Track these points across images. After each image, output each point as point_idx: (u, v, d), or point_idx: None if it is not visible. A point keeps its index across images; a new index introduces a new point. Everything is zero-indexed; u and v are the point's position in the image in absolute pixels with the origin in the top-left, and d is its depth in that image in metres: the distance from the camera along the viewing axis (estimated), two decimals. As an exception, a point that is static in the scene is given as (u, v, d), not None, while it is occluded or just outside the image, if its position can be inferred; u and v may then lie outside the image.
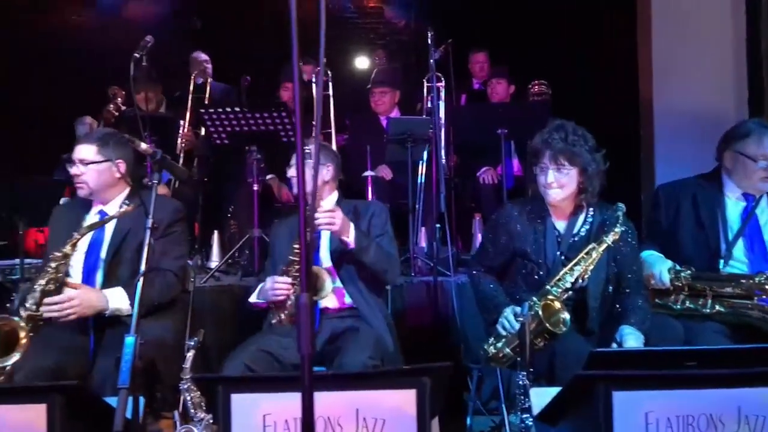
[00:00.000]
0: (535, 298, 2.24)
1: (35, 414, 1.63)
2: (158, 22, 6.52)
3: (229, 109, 3.41)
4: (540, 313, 2.19)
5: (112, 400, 1.74)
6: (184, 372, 2.20)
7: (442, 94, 3.75)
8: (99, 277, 2.42)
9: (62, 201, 3.95)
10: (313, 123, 3.99)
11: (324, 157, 2.63)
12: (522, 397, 2.12)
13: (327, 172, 2.61)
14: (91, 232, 2.41)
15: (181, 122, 3.81)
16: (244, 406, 1.70)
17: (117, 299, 2.33)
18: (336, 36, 5.70)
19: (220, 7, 6.31)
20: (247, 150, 3.57)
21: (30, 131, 5.71)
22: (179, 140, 3.78)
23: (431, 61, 3.48)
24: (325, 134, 4.02)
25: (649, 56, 4.06)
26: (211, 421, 2.18)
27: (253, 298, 2.61)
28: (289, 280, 2.45)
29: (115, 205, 2.49)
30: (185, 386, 2.21)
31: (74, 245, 2.27)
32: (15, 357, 2.05)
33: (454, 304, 3.12)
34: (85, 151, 2.43)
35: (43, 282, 2.21)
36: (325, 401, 1.66)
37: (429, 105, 3.84)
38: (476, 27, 5.42)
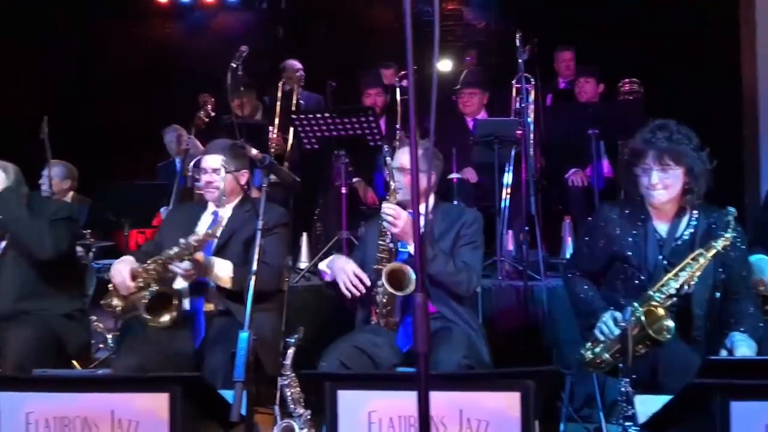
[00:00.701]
0: (636, 304, 2.18)
1: (158, 402, 1.73)
2: (243, 31, 6.81)
3: (318, 115, 3.50)
4: (643, 319, 2.12)
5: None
6: (285, 368, 2.28)
7: (531, 95, 3.70)
8: None
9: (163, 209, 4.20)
10: (397, 127, 4.11)
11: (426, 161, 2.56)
12: (624, 405, 2.07)
13: (432, 179, 2.53)
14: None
15: (270, 128, 3.94)
16: (351, 402, 1.75)
17: (222, 268, 2.46)
18: (415, 40, 5.72)
19: (302, 15, 6.49)
20: (335, 154, 3.65)
21: (126, 138, 6.08)
22: (269, 146, 3.91)
23: (520, 61, 3.44)
24: (409, 138, 4.04)
25: (753, 51, 3.84)
26: (309, 416, 2.25)
27: (323, 266, 2.59)
28: (367, 282, 2.45)
29: (229, 209, 2.66)
30: (285, 382, 2.28)
31: (198, 246, 2.41)
32: (166, 317, 2.35)
33: (545, 309, 3.07)
34: (215, 161, 2.61)
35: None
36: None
37: (517, 106, 3.79)
38: (560, 25, 5.31)
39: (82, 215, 3.71)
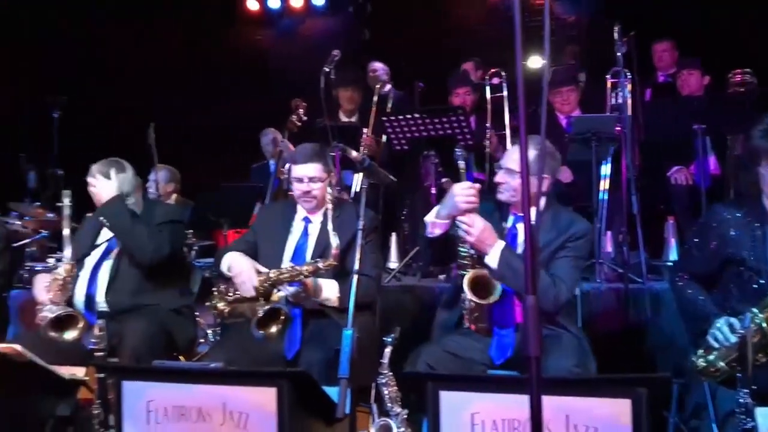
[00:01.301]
0: (755, 310, 2.03)
1: (267, 396, 1.80)
2: (331, 35, 6.96)
3: (409, 116, 3.52)
4: (764, 326, 1.98)
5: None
6: (383, 367, 2.30)
7: (628, 90, 3.55)
8: None
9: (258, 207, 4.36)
10: (488, 126, 4.05)
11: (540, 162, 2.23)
12: (743, 417, 1.94)
13: (544, 183, 2.33)
14: (297, 238, 2.66)
15: (364, 129, 4.00)
16: (454, 403, 1.74)
17: (329, 289, 2.50)
18: (504, 36, 5.63)
19: (388, 16, 6.55)
20: (425, 154, 3.66)
21: (223, 140, 6.36)
22: (361, 147, 3.97)
23: (618, 55, 3.30)
24: (499, 136, 3.99)
25: None
26: (407, 416, 2.27)
27: (430, 217, 2.38)
28: (477, 186, 2.31)
29: (320, 215, 2.67)
30: (383, 380, 2.30)
31: (309, 274, 2.48)
32: (273, 330, 2.41)
33: (647, 313, 2.93)
34: (313, 169, 2.61)
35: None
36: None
37: (614, 101, 3.65)
38: (657, 16, 5.05)
39: (185, 216, 3.92)
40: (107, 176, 2.81)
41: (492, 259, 2.26)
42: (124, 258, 2.78)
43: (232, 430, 1.81)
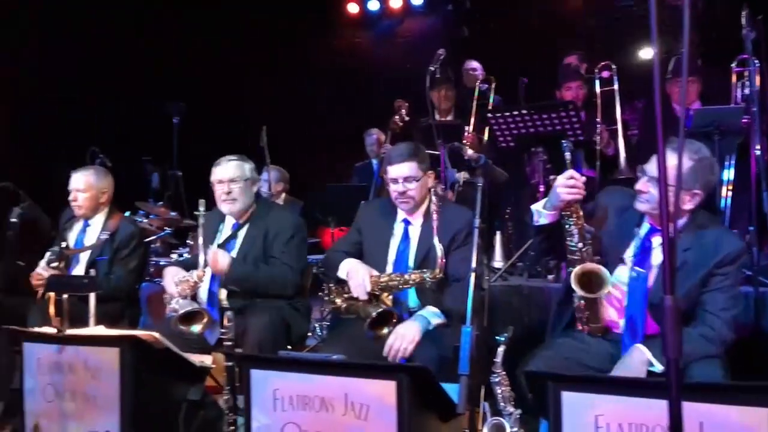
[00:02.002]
0: None
1: (387, 389, 1.85)
2: (429, 35, 6.98)
3: (516, 112, 3.45)
4: None
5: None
6: (495, 366, 2.29)
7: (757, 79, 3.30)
8: None
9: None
10: (598, 120, 3.91)
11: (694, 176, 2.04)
12: None
13: (694, 199, 2.11)
14: (398, 242, 2.69)
15: (466, 128, 3.99)
16: (576, 404, 1.71)
17: (433, 316, 2.51)
18: (612, 27, 5.42)
19: (486, 13, 6.48)
20: (533, 151, 3.59)
21: (327, 141, 6.57)
22: (465, 146, 3.96)
23: (747, 42, 3.08)
24: (610, 131, 3.84)
25: None
26: (520, 415, 2.24)
27: (537, 206, 2.31)
28: (580, 176, 2.22)
29: (419, 216, 2.67)
30: (496, 380, 2.29)
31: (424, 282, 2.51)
32: (384, 330, 2.48)
33: (781, 318, 2.72)
34: (407, 168, 2.61)
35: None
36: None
37: (741, 91, 3.41)
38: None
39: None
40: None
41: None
42: (245, 259, 2.90)
43: (354, 420, 1.87)
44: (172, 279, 2.92)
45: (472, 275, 1.97)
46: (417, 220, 2.67)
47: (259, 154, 4.36)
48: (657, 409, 1.56)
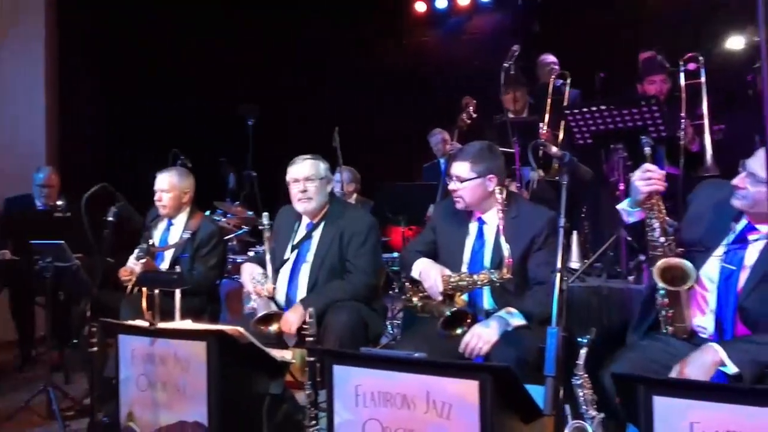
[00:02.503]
0: None
1: (469, 389, 1.84)
2: (498, 31, 6.89)
3: (594, 108, 3.36)
4: None
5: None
6: (578, 368, 2.24)
7: None
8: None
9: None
10: (682, 115, 3.74)
11: None
12: None
13: None
14: (473, 241, 2.67)
15: (541, 124, 3.91)
16: (669, 410, 1.64)
17: (512, 318, 2.47)
18: (700, 18, 5.17)
19: (559, 7, 6.33)
20: (612, 148, 3.48)
21: (396, 141, 6.60)
22: (549, 143, 3.87)
23: None
24: (695, 126, 3.67)
25: None
26: (603, 419, 2.18)
27: (623, 205, 2.27)
28: (655, 168, 2.14)
29: (491, 215, 2.62)
30: (578, 382, 2.23)
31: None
32: (458, 331, 2.46)
33: None
34: (459, 168, 2.59)
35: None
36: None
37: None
38: None
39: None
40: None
41: None
42: (323, 264, 2.96)
43: (436, 418, 1.87)
44: (250, 276, 3.01)
45: (557, 276, 1.92)
46: (491, 218, 2.64)
47: (332, 155, 4.43)
48: (762, 417, 1.48)
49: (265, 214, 3.03)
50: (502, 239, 2.43)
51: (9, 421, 3.22)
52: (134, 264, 3.38)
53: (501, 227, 2.44)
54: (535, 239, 2.53)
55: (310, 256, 3.00)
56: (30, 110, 5.67)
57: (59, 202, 4.49)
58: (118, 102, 6.30)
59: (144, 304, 2.45)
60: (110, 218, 2.65)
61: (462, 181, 2.58)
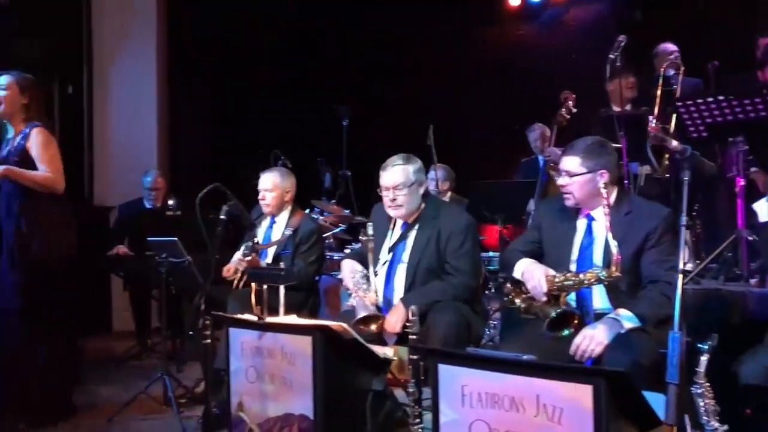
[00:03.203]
0: None
1: (582, 393, 1.77)
2: (597, 21, 6.62)
3: (710, 98, 3.14)
4: None
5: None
6: (698, 376, 2.10)
7: None
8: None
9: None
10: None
11: None
12: None
13: None
14: (581, 238, 2.56)
15: (650, 118, 3.70)
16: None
17: (626, 320, 2.35)
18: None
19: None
20: (730, 141, 3.24)
21: (491, 137, 6.50)
22: (648, 137, 3.68)
23: None
24: None
25: None
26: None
27: (761, 204, 2.21)
28: None
29: (601, 212, 2.49)
30: (698, 391, 2.10)
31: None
32: (565, 332, 2.39)
33: None
34: (569, 163, 2.51)
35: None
36: None
37: None
38: None
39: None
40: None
41: None
42: (419, 264, 2.94)
43: (546, 422, 1.81)
44: (350, 273, 3.05)
45: (680, 277, 1.81)
46: (601, 216, 2.51)
47: (426, 153, 4.41)
48: None
49: (370, 224, 3.04)
50: (609, 236, 2.33)
51: (128, 407, 3.44)
52: (240, 261, 3.53)
53: (607, 224, 2.34)
54: (650, 236, 2.41)
55: (405, 257, 3.00)
56: (142, 118, 6.07)
57: (170, 202, 4.78)
58: (223, 108, 6.63)
59: (253, 299, 2.55)
60: (223, 216, 2.78)
61: (572, 176, 2.50)
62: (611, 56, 3.40)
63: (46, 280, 3.19)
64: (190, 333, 3.10)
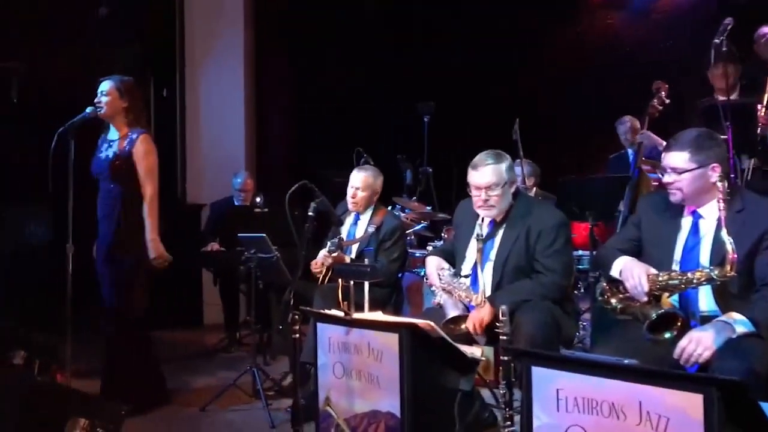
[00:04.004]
0: None
1: (691, 402, 1.65)
2: (690, 7, 6.24)
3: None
4: None
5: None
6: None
7: None
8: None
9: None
10: None
11: None
12: None
13: None
14: (685, 236, 2.39)
15: (759, 106, 3.43)
16: None
17: (738, 324, 2.18)
18: None
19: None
20: None
21: (574, 132, 6.28)
22: (758, 126, 3.41)
23: None
24: None
25: None
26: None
27: None
28: None
29: (710, 208, 2.34)
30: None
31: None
32: (667, 335, 2.26)
33: None
34: (676, 158, 2.35)
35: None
36: None
37: None
38: None
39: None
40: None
41: None
42: (507, 262, 2.87)
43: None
44: (436, 270, 3.00)
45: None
46: (709, 212, 2.35)
47: (511, 148, 4.30)
48: None
49: (479, 232, 2.93)
50: (724, 232, 2.16)
51: (219, 398, 3.57)
52: (326, 256, 3.58)
53: (723, 220, 2.17)
54: (765, 236, 2.22)
55: (493, 254, 2.91)
56: (231, 119, 6.28)
57: (257, 199, 4.94)
58: (306, 108, 6.76)
59: (340, 294, 2.56)
60: (311, 213, 2.82)
61: (680, 172, 2.34)
62: (716, 41, 3.16)
63: (139, 278, 3.38)
64: (280, 327, 3.16)
